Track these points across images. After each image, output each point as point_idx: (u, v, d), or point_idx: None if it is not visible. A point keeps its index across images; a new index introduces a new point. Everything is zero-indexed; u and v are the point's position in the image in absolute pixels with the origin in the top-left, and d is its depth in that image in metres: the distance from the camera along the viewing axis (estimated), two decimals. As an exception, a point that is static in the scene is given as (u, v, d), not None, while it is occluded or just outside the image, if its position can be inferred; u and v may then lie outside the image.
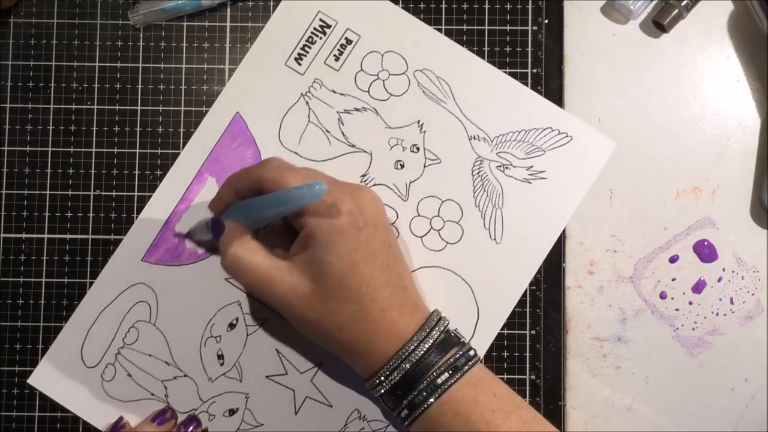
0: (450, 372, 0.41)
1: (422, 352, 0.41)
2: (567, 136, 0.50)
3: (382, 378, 0.41)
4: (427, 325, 0.42)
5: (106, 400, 0.48)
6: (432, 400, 0.40)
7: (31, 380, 0.48)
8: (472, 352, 0.42)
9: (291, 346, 0.49)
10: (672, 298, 0.50)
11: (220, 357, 0.49)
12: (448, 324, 0.43)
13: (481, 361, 0.43)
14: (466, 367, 0.41)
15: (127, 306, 0.49)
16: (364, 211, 0.41)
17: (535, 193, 0.49)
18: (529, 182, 0.49)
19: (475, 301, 0.49)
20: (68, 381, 0.48)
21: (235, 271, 0.42)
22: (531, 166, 0.50)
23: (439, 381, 0.41)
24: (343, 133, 0.50)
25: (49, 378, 0.49)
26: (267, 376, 0.49)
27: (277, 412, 0.48)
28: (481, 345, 0.49)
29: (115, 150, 0.50)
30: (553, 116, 0.50)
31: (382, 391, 0.42)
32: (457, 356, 0.41)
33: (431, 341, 0.41)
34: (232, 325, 0.49)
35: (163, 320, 0.49)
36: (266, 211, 0.41)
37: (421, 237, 0.49)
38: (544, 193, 0.49)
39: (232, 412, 0.48)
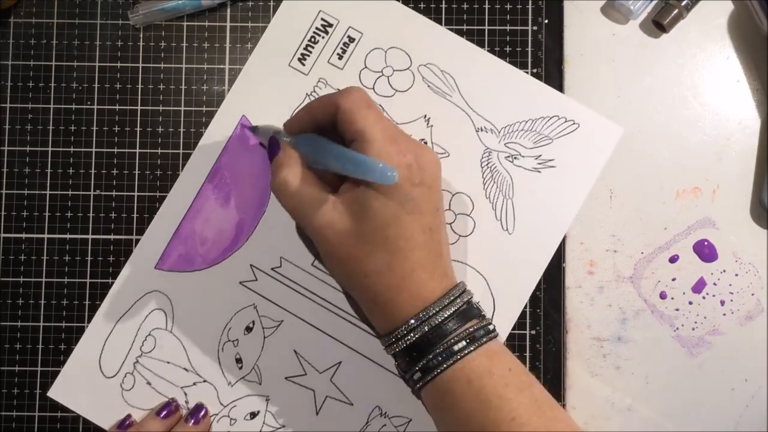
0: (467, 341, 0.41)
1: (442, 318, 0.41)
2: (574, 124, 0.50)
3: (399, 336, 0.41)
4: (452, 293, 0.42)
5: (127, 410, 0.48)
6: (446, 365, 0.41)
7: (51, 393, 0.48)
8: (491, 326, 0.42)
9: (309, 347, 0.49)
10: (672, 298, 0.50)
11: (239, 361, 0.49)
12: (472, 296, 0.43)
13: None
14: (484, 339, 0.41)
15: (142, 314, 0.49)
16: (424, 170, 0.41)
17: (544, 182, 0.49)
18: (539, 171, 0.49)
19: (491, 292, 0.49)
20: (88, 392, 0.48)
21: (282, 195, 0.43)
22: (539, 155, 0.50)
23: (456, 348, 0.41)
24: (350, 130, 0.50)
25: (69, 390, 0.48)
26: (286, 378, 0.49)
27: (298, 413, 0.48)
28: (499, 336, 0.49)
29: (115, 150, 0.50)
30: (558, 104, 0.50)
31: (397, 349, 0.42)
32: (476, 327, 0.41)
33: (453, 309, 0.41)
34: (248, 329, 0.49)
35: (180, 327, 0.49)
36: (332, 161, 0.41)
37: None
38: (553, 181, 0.49)
39: (253, 415, 0.48)
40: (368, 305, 0.43)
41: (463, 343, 0.41)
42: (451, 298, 0.42)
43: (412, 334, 0.41)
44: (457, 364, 0.41)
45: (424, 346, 0.41)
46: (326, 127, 0.43)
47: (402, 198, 0.40)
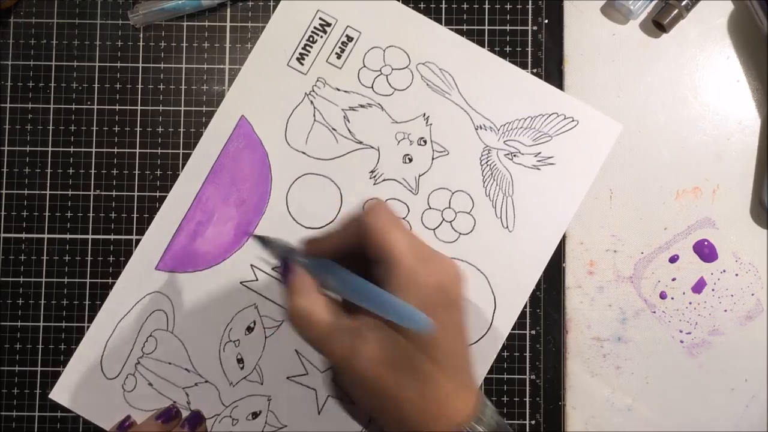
0: None
1: None
2: (573, 121, 0.50)
3: None
4: (480, 411, 0.40)
5: (129, 411, 0.48)
6: None
7: (53, 395, 0.48)
8: None
9: (310, 346, 0.48)
10: (672, 298, 0.50)
11: (240, 361, 0.49)
12: (494, 409, 0.42)
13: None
14: None
15: (143, 315, 0.49)
16: (449, 290, 0.39)
17: (544, 179, 0.49)
18: (538, 168, 0.50)
19: (491, 290, 0.49)
20: (90, 394, 0.48)
21: (299, 325, 0.40)
22: (539, 153, 0.50)
23: None
24: (349, 130, 0.50)
25: (70, 392, 0.48)
26: (288, 377, 0.49)
27: (300, 413, 0.48)
28: (500, 333, 0.49)
29: (115, 150, 0.50)
30: (557, 101, 0.50)
31: None
32: None
33: (483, 429, 0.39)
34: (249, 329, 0.49)
35: (181, 328, 0.49)
36: (358, 297, 0.39)
37: (434, 229, 0.49)
38: (553, 179, 0.49)
39: (255, 415, 0.48)
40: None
41: None
42: (480, 416, 0.40)
43: None
44: None
45: None
46: (348, 249, 0.41)
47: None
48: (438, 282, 0.39)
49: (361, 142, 0.50)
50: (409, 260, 0.38)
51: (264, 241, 0.44)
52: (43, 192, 0.50)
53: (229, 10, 0.51)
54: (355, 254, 0.40)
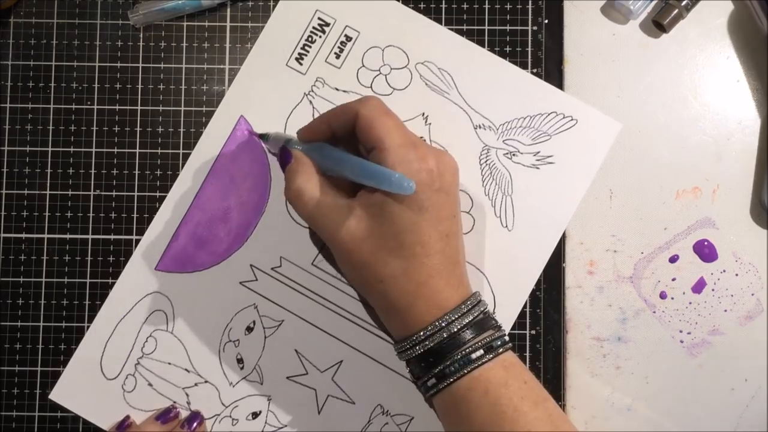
0: (485, 350, 0.41)
1: (460, 326, 0.41)
2: (572, 120, 0.50)
3: (416, 342, 0.41)
4: (470, 302, 0.42)
5: (129, 411, 0.48)
6: (463, 373, 0.40)
7: (53, 396, 0.48)
8: (507, 337, 0.42)
9: (310, 346, 0.49)
10: (672, 298, 0.50)
11: (240, 361, 0.49)
12: (487, 306, 0.43)
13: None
14: (501, 350, 0.41)
15: (143, 316, 0.49)
16: (443, 175, 0.41)
17: (543, 179, 0.49)
18: (537, 168, 0.49)
19: (491, 290, 0.49)
20: (90, 394, 0.48)
21: (298, 203, 0.42)
22: (538, 152, 0.49)
23: (474, 356, 0.40)
24: (349, 130, 0.50)
25: (70, 392, 0.48)
26: (288, 377, 0.49)
27: (300, 412, 0.48)
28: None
29: (115, 150, 0.50)
30: (556, 100, 0.50)
31: (413, 355, 0.42)
32: (494, 337, 0.41)
33: (470, 318, 0.41)
34: (249, 329, 0.49)
35: (181, 328, 0.49)
36: (348, 171, 0.41)
37: None
38: (552, 178, 0.49)
39: (255, 415, 0.48)
40: (384, 311, 0.43)
41: (481, 351, 0.41)
42: (469, 306, 0.41)
43: (428, 341, 0.41)
44: (473, 373, 0.40)
45: (441, 353, 0.41)
46: (341, 136, 0.43)
47: (420, 204, 0.40)
48: (428, 166, 0.40)
49: (360, 142, 0.50)
50: (400, 146, 0.40)
51: (263, 137, 0.48)
52: (43, 192, 0.50)
53: (229, 10, 0.51)
54: (347, 142, 0.44)
